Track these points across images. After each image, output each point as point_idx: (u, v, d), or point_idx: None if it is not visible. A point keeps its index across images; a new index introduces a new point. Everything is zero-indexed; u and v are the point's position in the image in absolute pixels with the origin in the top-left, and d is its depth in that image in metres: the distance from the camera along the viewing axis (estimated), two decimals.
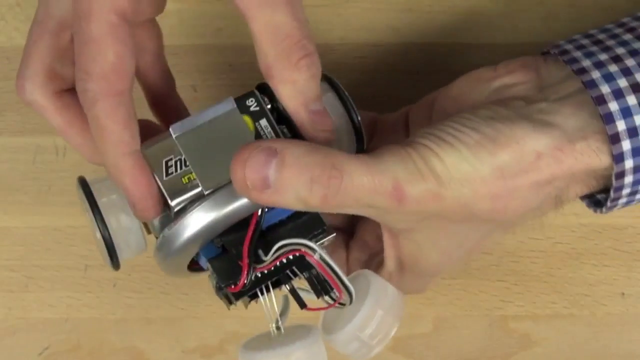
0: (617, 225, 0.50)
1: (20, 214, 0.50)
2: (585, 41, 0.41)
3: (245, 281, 0.38)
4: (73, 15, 0.39)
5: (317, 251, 0.39)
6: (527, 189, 0.38)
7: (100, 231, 0.39)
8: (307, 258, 0.39)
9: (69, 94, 0.41)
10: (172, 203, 0.38)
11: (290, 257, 0.39)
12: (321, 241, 0.40)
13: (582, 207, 0.46)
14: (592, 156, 0.38)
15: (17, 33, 0.51)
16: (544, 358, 0.49)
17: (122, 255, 0.41)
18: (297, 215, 0.40)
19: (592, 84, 0.38)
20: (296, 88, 0.39)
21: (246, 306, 0.40)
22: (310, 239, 0.39)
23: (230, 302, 0.40)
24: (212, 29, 0.51)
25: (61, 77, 0.41)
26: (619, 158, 0.38)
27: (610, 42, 0.40)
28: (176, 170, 0.39)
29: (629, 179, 0.39)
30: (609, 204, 0.41)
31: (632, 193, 0.40)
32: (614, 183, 0.39)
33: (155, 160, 0.38)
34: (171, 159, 0.39)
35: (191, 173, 0.38)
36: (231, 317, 0.49)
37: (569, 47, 0.41)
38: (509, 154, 0.38)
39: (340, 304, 0.39)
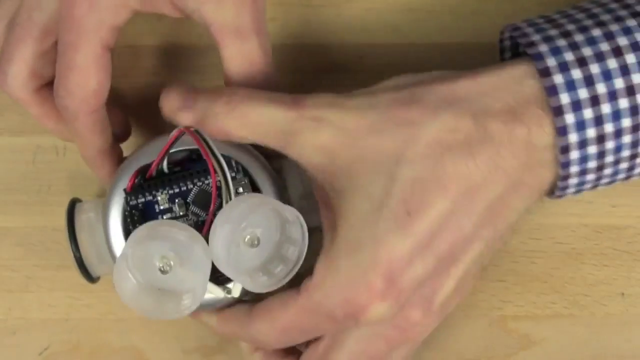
0: (617, 225, 0.50)
1: (20, 214, 0.50)
2: (539, 20, 0.41)
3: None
4: (59, 36, 0.43)
5: (195, 128, 0.41)
6: None
7: (72, 248, 0.44)
8: (187, 133, 0.41)
9: (46, 89, 0.46)
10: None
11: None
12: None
13: (582, 207, 0.46)
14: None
15: None
16: (544, 358, 0.49)
17: (96, 271, 0.45)
18: None
19: (539, 57, 0.38)
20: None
21: None
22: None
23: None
24: None
25: (41, 76, 0.45)
26: (562, 131, 0.38)
27: (563, 20, 0.40)
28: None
29: (574, 154, 0.38)
30: (559, 183, 0.40)
31: (582, 172, 0.39)
32: (560, 158, 0.39)
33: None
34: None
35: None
36: None
37: (522, 24, 0.41)
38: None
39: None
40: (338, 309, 0.40)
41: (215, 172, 0.41)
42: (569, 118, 0.38)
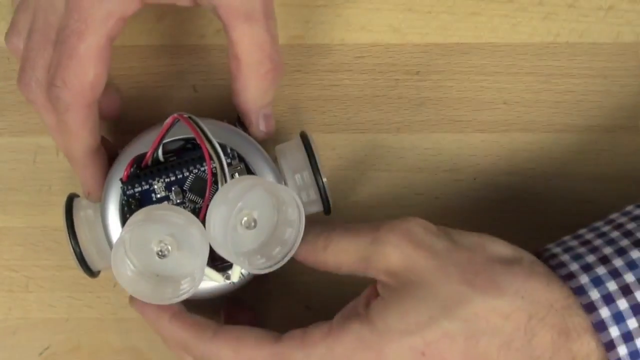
0: None
1: (20, 214, 0.50)
2: (573, 243, 0.41)
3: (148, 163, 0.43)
4: (63, 25, 0.42)
5: (186, 114, 0.42)
6: None
7: (71, 243, 0.43)
8: (180, 119, 0.42)
9: None
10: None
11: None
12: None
13: (582, 207, 0.46)
14: None
15: None
16: None
17: (96, 265, 0.45)
18: None
19: (581, 290, 0.39)
20: (257, 93, 0.44)
21: None
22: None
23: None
24: (212, 29, 0.51)
25: None
26: None
27: (598, 242, 0.40)
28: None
29: None
30: None
31: None
32: None
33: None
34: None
35: None
36: None
37: (557, 250, 0.41)
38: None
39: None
40: None
41: (211, 158, 0.41)
42: (622, 350, 0.38)
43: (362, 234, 0.41)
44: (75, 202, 0.45)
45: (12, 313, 0.49)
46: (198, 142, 0.42)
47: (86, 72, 0.41)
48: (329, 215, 0.45)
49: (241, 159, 0.43)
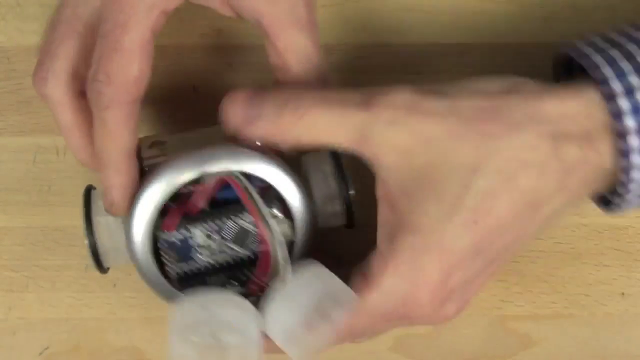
0: (617, 225, 0.50)
1: (20, 214, 0.50)
2: (596, 39, 0.41)
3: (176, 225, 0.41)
4: (104, 18, 0.40)
5: (242, 180, 0.40)
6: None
7: (87, 237, 0.42)
8: (232, 184, 0.40)
9: (84, 97, 0.42)
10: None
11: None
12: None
13: (582, 207, 0.46)
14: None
15: (17, 33, 0.51)
16: (544, 358, 0.49)
17: (109, 260, 0.43)
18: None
19: (604, 82, 0.39)
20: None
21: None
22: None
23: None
24: (212, 29, 0.51)
25: (82, 77, 0.43)
26: (626, 153, 0.38)
27: (622, 40, 0.40)
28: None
29: (637, 174, 0.39)
30: (620, 194, 0.41)
31: None
32: (622, 177, 0.39)
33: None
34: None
35: None
36: None
37: (580, 44, 0.41)
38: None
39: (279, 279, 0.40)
40: (395, 311, 0.40)
41: (259, 222, 0.40)
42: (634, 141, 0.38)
43: (351, 107, 0.39)
44: (94, 194, 0.43)
45: (12, 313, 0.49)
46: (247, 208, 0.40)
47: (131, 66, 0.40)
48: (351, 228, 0.44)
49: (265, 186, 0.41)
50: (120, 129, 0.40)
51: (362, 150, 0.40)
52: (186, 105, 0.50)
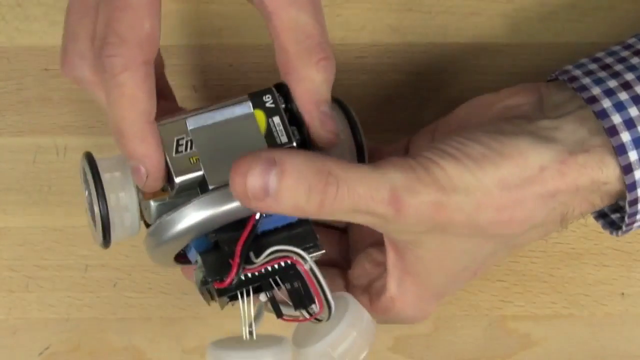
0: None
1: (20, 214, 0.50)
2: (593, 66, 0.41)
3: (233, 279, 0.39)
4: None
5: (308, 261, 0.39)
6: (532, 201, 0.38)
7: (99, 207, 0.40)
8: (298, 266, 0.39)
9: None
10: (177, 180, 0.39)
11: (281, 264, 0.39)
12: (311, 255, 0.40)
13: None
14: (595, 169, 0.39)
15: (17, 33, 0.51)
16: (544, 358, 0.49)
17: (115, 234, 0.41)
18: (292, 225, 0.40)
19: (604, 114, 0.39)
20: (313, 86, 0.40)
21: (222, 307, 0.41)
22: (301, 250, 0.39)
23: (211, 298, 0.40)
24: (212, 29, 0.51)
25: None
26: (632, 187, 0.39)
27: (619, 67, 0.40)
28: (185, 150, 0.39)
29: None
30: (624, 228, 0.41)
31: None
32: (628, 210, 0.40)
33: (167, 137, 0.39)
34: (182, 138, 0.40)
35: (199, 156, 0.39)
36: (231, 317, 0.49)
37: (577, 72, 0.41)
38: (513, 166, 0.38)
39: (316, 319, 0.40)
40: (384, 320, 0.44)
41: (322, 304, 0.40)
42: (638, 174, 0.39)
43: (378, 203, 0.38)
44: (99, 163, 0.41)
45: (12, 313, 0.49)
46: (311, 292, 0.39)
47: (142, 22, 0.38)
48: None
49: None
50: (140, 92, 0.38)
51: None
52: (186, 105, 0.50)
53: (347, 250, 0.46)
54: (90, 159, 0.41)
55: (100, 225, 0.40)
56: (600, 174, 0.39)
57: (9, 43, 0.51)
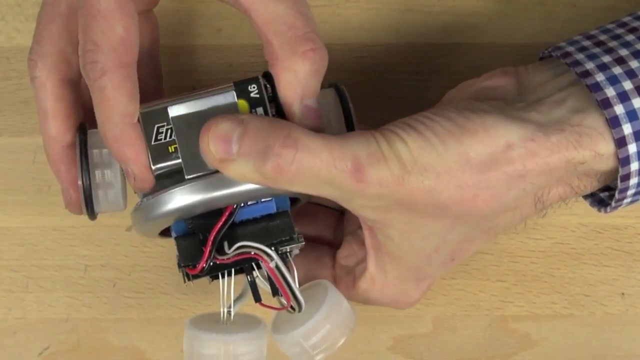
0: (617, 225, 0.50)
1: (20, 214, 0.50)
2: (587, 42, 0.41)
3: (204, 266, 0.39)
4: None
5: (275, 259, 0.39)
6: (497, 179, 0.38)
7: (82, 180, 0.41)
8: (262, 264, 0.39)
9: (69, 85, 0.42)
10: (153, 167, 0.39)
11: (248, 258, 0.40)
12: (287, 247, 0.40)
13: (582, 207, 0.46)
14: (570, 149, 0.38)
15: (17, 33, 0.51)
16: (544, 358, 0.49)
17: (100, 207, 0.42)
18: (270, 217, 0.40)
19: (597, 87, 0.38)
20: (295, 79, 0.39)
21: (209, 282, 0.41)
22: (276, 244, 0.40)
23: (187, 279, 0.40)
24: (212, 29, 0.51)
25: (69, 62, 0.42)
26: (625, 161, 0.38)
27: (613, 44, 0.40)
28: (165, 138, 0.40)
29: (634, 180, 0.39)
30: (613, 204, 0.41)
31: (637, 193, 0.40)
32: (620, 185, 0.39)
33: (148, 124, 0.40)
34: (163, 126, 0.40)
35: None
36: None
37: (570, 49, 0.40)
38: (477, 142, 0.38)
39: (288, 310, 0.40)
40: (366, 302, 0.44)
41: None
42: (632, 148, 0.38)
43: (340, 171, 0.37)
44: (89, 136, 0.41)
45: (11, 313, 0.49)
46: (279, 290, 0.40)
47: (113, 27, 0.38)
48: None
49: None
50: (119, 95, 0.38)
51: (345, 206, 0.40)
52: None
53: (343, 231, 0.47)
54: (82, 132, 0.41)
55: (83, 198, 0.41)
56: (576, 153, 0.38)
57: (9, 43, 0.51)
